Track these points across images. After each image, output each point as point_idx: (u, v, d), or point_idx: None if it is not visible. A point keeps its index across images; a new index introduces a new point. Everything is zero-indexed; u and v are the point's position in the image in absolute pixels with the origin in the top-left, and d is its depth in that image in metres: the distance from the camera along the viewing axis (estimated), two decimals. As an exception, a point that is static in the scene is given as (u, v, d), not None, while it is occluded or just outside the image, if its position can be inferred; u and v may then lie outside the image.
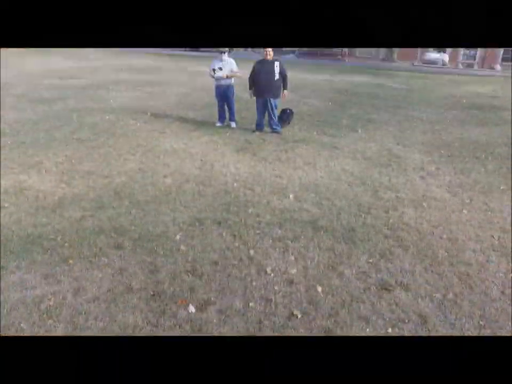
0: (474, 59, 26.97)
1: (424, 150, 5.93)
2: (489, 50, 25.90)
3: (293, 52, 30.63)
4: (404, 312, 2.30)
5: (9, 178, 4.21)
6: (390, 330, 2.05)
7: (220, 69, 6.82)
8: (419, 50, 27.33)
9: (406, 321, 2.19)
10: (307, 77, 14.31)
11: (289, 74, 7.13)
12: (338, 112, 8.59)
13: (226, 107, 7.31)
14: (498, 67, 24.70)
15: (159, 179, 4.42)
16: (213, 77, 6.98)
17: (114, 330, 1.96)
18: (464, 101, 10.42)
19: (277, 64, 6.60)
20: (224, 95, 7.07)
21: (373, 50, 29.24)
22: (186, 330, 2.03)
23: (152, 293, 2.42)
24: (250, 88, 6.92)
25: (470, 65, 26.32)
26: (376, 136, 6.72)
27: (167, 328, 2.03)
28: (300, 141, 6.31)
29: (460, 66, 26.21)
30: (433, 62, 25.74)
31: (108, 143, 5.68)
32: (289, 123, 7.34)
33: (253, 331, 1.99)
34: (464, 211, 3.83)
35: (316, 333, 1.93)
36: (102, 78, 12.22)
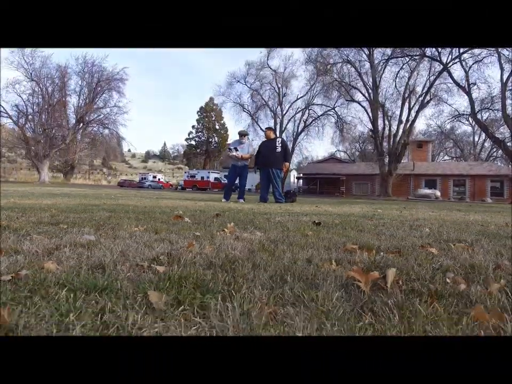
0: (465, 194, 30.78)
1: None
2: (478, 185, 30.50)
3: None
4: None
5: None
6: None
7: (236, 149, 7.27)
8: (411, 186, 30.85)
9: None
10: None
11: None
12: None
13: (234, 188, 7.78)
14: (489, 199, 28.20)
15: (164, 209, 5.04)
16: (230, 156, 7.42)
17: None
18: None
19: (278, 140, 7.44)
20: (239, 174, 7.45)
21: (368, 188, 34.23)
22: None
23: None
24: (255, 164, 7.51)
25: (462, 199, 29.38)
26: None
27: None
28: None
29: (452, 199, 29.14)
30: (426, 196, 28.45)
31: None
32: (292, 202, 7.72)
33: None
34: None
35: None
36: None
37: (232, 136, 66.42)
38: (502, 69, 23.46)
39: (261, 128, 39.45)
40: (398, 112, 30.42)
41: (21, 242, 1.66)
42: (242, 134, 7.80)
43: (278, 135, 8.50)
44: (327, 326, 0.78)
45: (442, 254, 1.72)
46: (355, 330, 0.76)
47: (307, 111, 37.64)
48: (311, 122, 37.73)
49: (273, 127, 9.71)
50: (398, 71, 29.77)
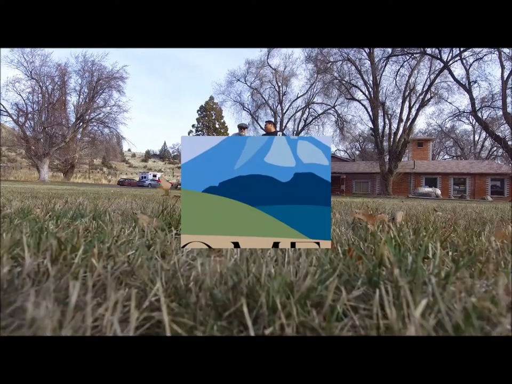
0: (465, 192, 30.68)
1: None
2: (479, 184, 30.44)
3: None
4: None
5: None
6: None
7: None
8: (412, 184, 31.01)
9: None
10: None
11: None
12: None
13: None
14: (489, 198, 27.97)
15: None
16: None
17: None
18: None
19: (279, 134, 7.40)
20: None
21: (368, 187, 34.25)
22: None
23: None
24: None
25: (462, 197, 29.27)
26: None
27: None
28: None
29: (453, 197, 29.10)
30: (426, 194, 28.62)
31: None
32: None
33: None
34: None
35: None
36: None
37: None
38: (502, 66, 23.47)
39: (261, 127, 39.45)
40: (398, 111, 30.48)
41: (10, 203, 1.60)
42: (242, 127, 7.69)
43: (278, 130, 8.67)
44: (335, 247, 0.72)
45: (449, 215, 1.66)
46: (364, 250, 0.70)
47: (307, 109, 37.75)
48: (311, 121, 37.82)
49: (273, 121, 9.73)
50: (398, 69, 29.83)
